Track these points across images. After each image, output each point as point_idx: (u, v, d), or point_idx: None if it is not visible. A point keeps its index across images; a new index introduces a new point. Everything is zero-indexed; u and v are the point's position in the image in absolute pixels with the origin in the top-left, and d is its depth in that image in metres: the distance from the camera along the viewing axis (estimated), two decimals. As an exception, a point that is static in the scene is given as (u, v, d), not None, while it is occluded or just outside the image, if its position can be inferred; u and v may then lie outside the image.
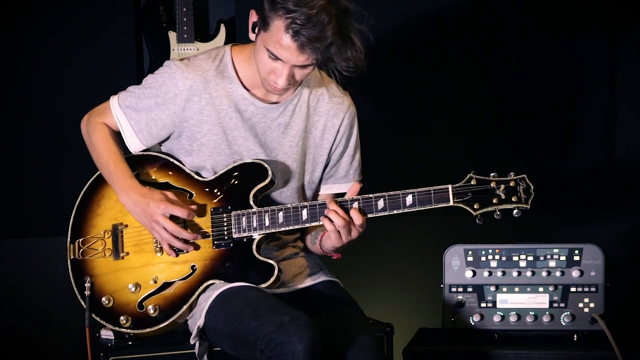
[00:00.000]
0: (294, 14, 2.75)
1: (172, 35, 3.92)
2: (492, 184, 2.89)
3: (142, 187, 3.00)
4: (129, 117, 3.04)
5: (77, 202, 3.09)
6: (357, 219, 2.89)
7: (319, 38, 2.77)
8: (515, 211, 2.89)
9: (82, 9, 3.90)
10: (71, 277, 3.06)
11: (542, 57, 4.10)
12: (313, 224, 2.94)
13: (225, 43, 3.94)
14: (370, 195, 2.91)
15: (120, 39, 3.94)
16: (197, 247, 3.00)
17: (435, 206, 2.89)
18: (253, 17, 2.89)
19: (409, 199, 2.89)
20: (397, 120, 4.09)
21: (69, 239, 3.08)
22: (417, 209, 2.89)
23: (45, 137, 3.87)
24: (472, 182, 2.89)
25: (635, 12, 4.05)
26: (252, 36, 2.92)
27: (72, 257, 3.07)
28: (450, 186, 2.88)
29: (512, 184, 2.89)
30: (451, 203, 2.88)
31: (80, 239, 3.07)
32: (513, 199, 2.88)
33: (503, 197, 2.88)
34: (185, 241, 2.98)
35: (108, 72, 3.91)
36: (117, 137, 3.08)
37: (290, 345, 2.70)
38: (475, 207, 2.89)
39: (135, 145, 3.07)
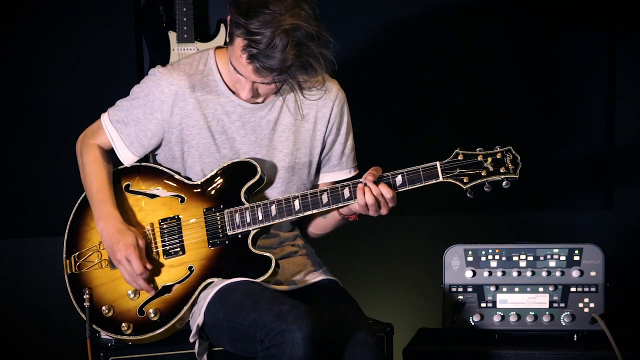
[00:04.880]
0: (253, 36, 2.77)
1: (172, 35, 3.92)
2: (480, 157, 2.92)
3: (121, 222, 3.00)
4: (120, 131, 3.06)
5: (70, 219, 3.11)
6: (386, 192, 2.90)
7: (272, 65, 2.79)
8: (504, 182, 2.92)
9: (82, 9, 3.89)
10: (69, 291, 3.07)
11: (540, 50, 4.11)
12: (306, 213, 2.96)
13: (225, 43, 3.93)
14: (359, 180, 2.93)
15: (120, 38, 3.94)
16: (156, 288, 3.01)
17: (426, 184, 2.91)
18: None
19: (399, 179, 2.91)
20: (385, 108, 4.10)
21: (64, 255, 3.09)
22: (407, 189, 2.91)
23: (45, 137, 3.87)
24: (459, 158, 2.92)
25: (634, 5, 4.06)
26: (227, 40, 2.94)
27: (69, 272, 3.08)
28: (438, 163, 2.91)
29: (498, 155, 2.93)
30: (440, 179, 2.91)
31: (76, 253, 3.08)
32: (501, 170, 2.91)
33: (491, 169, 2.91)
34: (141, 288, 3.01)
35: (108, 72, 3.91)
36: (108, 160, 3.09)
37: (290, 334, 2.71)
38: (464, 181, 2.91)
39: (129, 158, 3.08)
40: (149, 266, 2.98)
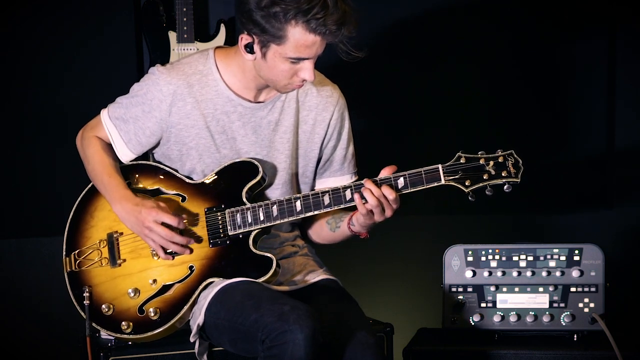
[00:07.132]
0: (308, 15, 2.78)
1: (172, 35, 3.92)
2: (481, 161, 2.92)
3: (135, 196, 3.01)
4: (119, 128, 3.06)
5: (70, 217, 3.10)
6: (389, 193, 2.89)
7: (338, 17, 2.80)
8: (506, 186, 2.92)
9: (82, 9, 3.90)
10: (69, 289, 3.06)
11: (540, 51, 4.10)
12: (307, 214, 2.96)
13: (225, 43, 3.94)
14: (361, 182, 2.93)
15: (120, 38, 3.94)
16: (192, 250, 3.01)
17: (427, 186, 2.91)
18: (245, 40, 2.89)
19: (401, 182, 2.91)
20: (387, 110, 4.10)
21: (64, 253, 3.08)
22: (409, 191, 2.91)
23: (46, 137, 3.87)
24: (461, 161, 2.92)
25: (634, 5, 4.06)
26: (249, 57, 2.92)
27: (69, 270, 3.08)
28: (440, 166, 2.91)
29: (500, 159, 2.92)
30: (442, 182, 2.90)
31: (76, 251, 3.08)
32: (503, 174, 2.91)
33: (493, 172, 2.91)
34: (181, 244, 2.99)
35: (108, 72, 3.91)
36: (111, 149, 3.10)
37: (291, 334, 2.72)
38: (466, 184, 2.91)
39: (127, 156, 3.08)
40: (184, 216, 2.98)
